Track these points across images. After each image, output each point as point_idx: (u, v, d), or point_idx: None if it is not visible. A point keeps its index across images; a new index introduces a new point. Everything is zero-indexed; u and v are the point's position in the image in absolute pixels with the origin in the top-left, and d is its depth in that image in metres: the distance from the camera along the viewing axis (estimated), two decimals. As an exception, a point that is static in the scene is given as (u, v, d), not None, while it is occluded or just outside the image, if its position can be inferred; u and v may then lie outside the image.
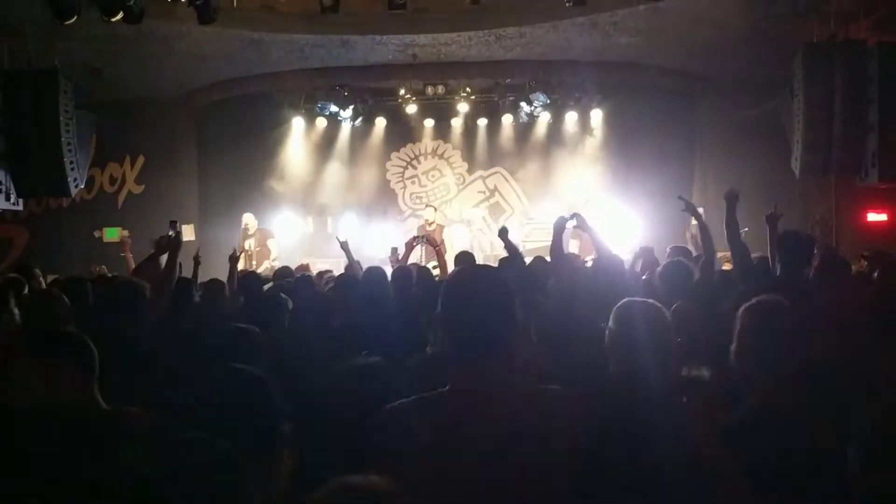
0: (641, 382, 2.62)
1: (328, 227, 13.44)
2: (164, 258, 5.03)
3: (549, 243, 11.17)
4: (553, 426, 1.90)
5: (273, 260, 10.86)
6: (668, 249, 6.46)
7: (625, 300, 2.92)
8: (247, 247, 10.97)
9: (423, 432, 1.88)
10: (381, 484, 1.42)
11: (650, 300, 3.00)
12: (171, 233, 5.31)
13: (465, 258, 6.64)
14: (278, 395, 2.16)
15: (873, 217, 10.87)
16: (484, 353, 1.91)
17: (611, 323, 2.85)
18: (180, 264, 5.10)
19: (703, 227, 5.41)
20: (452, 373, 1.95)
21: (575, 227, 5.36)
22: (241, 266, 10.44)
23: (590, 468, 1.95)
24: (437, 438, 1.87)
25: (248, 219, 11.21)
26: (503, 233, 5.86)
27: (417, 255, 9.44)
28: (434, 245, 7.69)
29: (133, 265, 6.70)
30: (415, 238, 7.73)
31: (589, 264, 6.57)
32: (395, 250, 8.18)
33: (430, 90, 12.66)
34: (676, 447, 2.38)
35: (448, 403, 1.92)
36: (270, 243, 11.10)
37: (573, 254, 8.98)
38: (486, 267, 2.33)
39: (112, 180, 12.98)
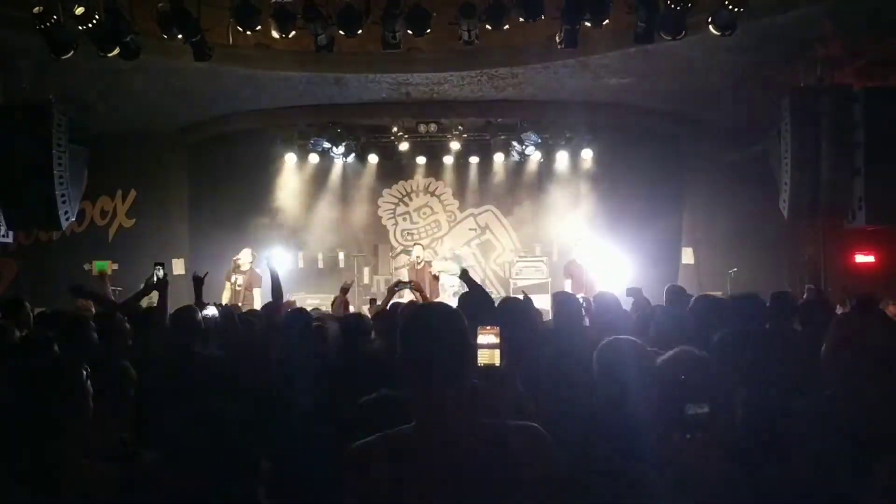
0: (628, 420, 2.63)
1: (319, 262, 13.44)
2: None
3: (540, 281, 11.25)
4: (516, 460, 1.91)
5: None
6: (665, 290, 6.44)
7: (607, 340, 2.93)
8: (232, 280, 10.86)
9: (388, 469, 1.89)
10: None
11: (631, 338, 3.00)
12: (156, 275, 5.46)
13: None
14: (255, 431, 2.15)
15: (861, 259, 10.95)
16: (442, 389, 1.93)
17: (595, 364, 2.87)
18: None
19: None
20: (414, 410, 1.97)
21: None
22: (227, 299, 10.41)
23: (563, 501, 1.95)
24: (402, 475, 1.89)
25: (245, 255, 11.08)
26: (464, 275, 5.77)
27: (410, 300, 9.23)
28: (420, 291, 7.57)
29: (111, 299, 6.67)
30: (398, 283, 7.46)
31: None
32: (373, 301, 8.06)
33: (422, 128, 12.78)
34: (671, 487, 2.39)
35: (413, 440, 1.94)
36: (256, 292, 10.91)
37: (566, 293, 8.97)
38: (441, 304, 2.35)
39: (103, 214, 12.97)
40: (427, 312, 2.12)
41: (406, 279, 8.20)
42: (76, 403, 2.52)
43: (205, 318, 5.11)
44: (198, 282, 6.21)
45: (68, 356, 3.62)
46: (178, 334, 4.40)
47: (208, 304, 6.00)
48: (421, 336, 1.99)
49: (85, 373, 2.59)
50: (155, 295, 5.56)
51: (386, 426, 2.00)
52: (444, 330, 1.99)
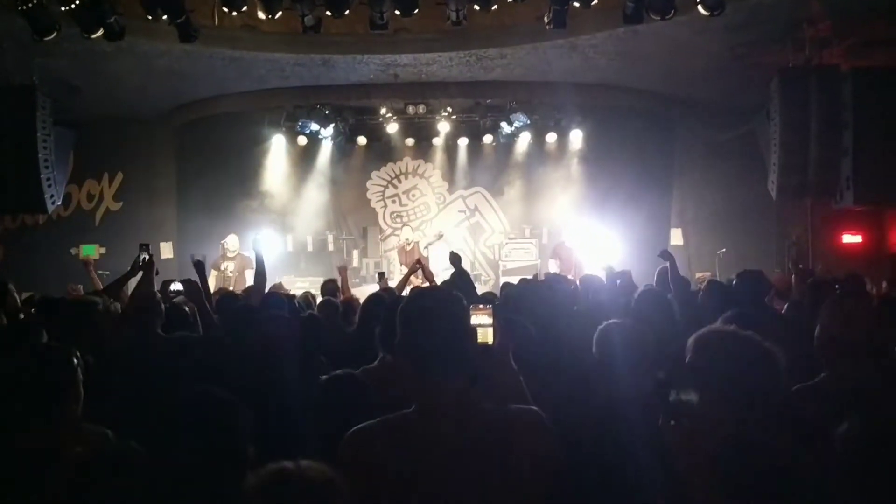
0: (623, 405, 2.63)
1: (308, 245, 13.40)
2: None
3: (529, 263, 11.27)
4: (518, 444, 1.91)
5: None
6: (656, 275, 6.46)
7: (605, 323, 2.94)
8: (222, 268, 10.84)
9: (389, 454, 1.89)
10: (317, 471, 1.43)
11: (629, 321, 3.02)
12: (142, 256, 5.40)
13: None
14: (246, 417, 2.14)
15: (848, 239, 11.01)
16: (443, 372, 1.93)
17: (594, 347, 2.88)
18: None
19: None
20: (415, 394, 1.96)
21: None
22: (213, 286, 10.39)
23: (562, 486, 1.96)
24: (403, 460, 1.88)
25: (231, 240, 11.05)
26: (456, 260, 5.69)
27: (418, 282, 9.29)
28: (430, 279, 7.60)
29: (100, 285, 6.62)
30: (418, 262, 7.65)
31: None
32: (382, 275, 8.14)
33: (411, 110, 12.69)
34: (658, 471, 2.39)
35: (413, 424, 1.93)
36: (248, 274, 10.91)
37: (556, 273, 8.99)
38: (438, 288, 2.35)
39: (90, 197, 12.87)
40: (426, 297, 2.12)
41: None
42: (67, 390, 2.51)
43: (168, 293, 5.09)
44: (199, 266, 5.85)
45: (60, 342, 3.60)
46: (136, 317, 4.30)
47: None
48: (421, 321, 1.98)
49: (75, 359, 2.58)
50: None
51: (345, 404, 1.99)
52: (444, 315, 1.98)
